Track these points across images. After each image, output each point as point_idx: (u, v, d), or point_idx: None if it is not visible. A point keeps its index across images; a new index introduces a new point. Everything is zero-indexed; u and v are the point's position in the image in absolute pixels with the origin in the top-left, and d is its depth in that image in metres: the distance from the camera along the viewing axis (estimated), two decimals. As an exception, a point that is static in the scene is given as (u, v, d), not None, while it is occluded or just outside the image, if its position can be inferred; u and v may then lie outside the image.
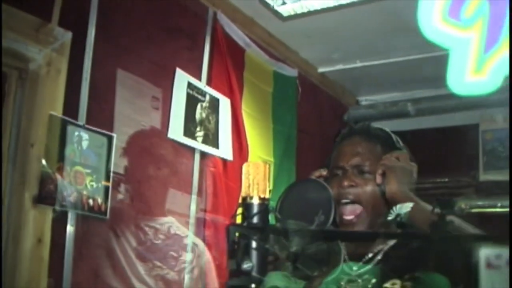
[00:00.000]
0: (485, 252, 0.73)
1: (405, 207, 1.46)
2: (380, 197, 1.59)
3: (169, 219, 2.87)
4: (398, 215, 1.43)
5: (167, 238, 2.81)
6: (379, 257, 1.56)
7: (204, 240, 3.08)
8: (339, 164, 1.68)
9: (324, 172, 1.72)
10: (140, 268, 2.65)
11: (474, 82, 0.81)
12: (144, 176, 2.84)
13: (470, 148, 4.47)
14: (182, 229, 2.91)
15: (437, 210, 1.12)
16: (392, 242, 1.57)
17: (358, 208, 1.61)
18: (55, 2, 2.38)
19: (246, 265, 1.32)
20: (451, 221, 1.11)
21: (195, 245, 2.94)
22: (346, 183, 1.62)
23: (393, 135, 1.72)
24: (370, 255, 1.57)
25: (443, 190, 4.53)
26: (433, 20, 0.82)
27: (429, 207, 1.42)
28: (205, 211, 3.15)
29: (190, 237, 2.94)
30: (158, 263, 2.73)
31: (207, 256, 2.97)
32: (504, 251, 0.72)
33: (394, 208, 1.46)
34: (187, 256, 2.87)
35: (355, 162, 1.65)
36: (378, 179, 1.58)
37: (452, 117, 4.45)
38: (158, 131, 2.91)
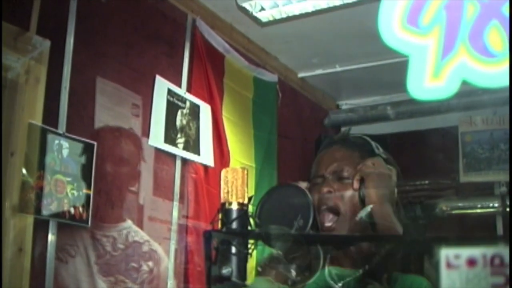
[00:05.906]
0: (444, 252, 0.75)
1: (364, 210, 1.49)
2: (358, 202, 1.61)
3: (127, 224, 2.77)
4: (361, 218, 1.47)
5: (127, 248, 2.72)
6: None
7: (186, 247, 3.08)
8: (318, 173, 1.70)
9: (304, 185, 1.72)
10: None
11: (432, 87, 0.84)
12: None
13: (449, 150, 4.51)
14: (140, 234, 2.83)
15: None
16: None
17: (336, 216, 1.63)
18: (33, 11, 2.38)
19: (225, 270, 1.34)
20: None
21: (153, 251, 2.87)
22: (325, 189, 1.63)
23: (372, 142, 1.74)
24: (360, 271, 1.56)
25: (424, 192, 4.56)
26: (392, 27, 0.85)
27: (393, 218, 1.49)
28: (187, 217, 3.15)
29: (149, 243, 2.87)
30: (120, 277, 2.66)
31: (166, 261, 2.93)
32: (463, 251, 0.74)
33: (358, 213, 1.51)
34: (147, 266, 2.81)
35: (333, 168, 1.67)
36: (355, 185, 1.60)
37: (432, 120, 4.49)
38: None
